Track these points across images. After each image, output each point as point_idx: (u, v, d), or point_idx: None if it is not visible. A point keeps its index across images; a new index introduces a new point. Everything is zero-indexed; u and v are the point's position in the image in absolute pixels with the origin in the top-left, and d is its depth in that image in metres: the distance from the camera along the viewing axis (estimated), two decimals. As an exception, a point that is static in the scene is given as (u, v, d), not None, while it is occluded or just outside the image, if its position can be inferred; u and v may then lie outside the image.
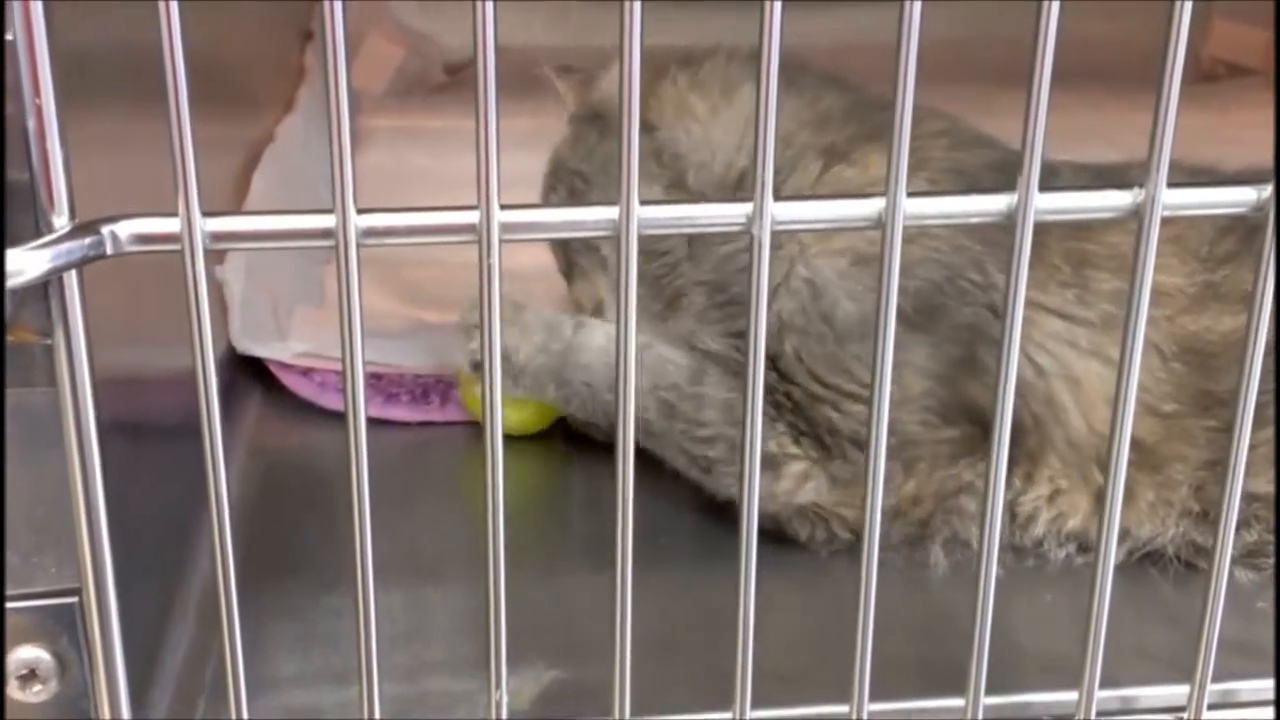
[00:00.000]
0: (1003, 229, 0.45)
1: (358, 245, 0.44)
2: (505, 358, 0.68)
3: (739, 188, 0.71)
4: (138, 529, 0.58)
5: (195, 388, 0.45)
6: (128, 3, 0.42)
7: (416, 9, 1.36)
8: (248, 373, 0.83)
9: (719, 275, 0.70)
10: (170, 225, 0.43)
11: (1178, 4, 0.43)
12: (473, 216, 0.44)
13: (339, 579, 0.61)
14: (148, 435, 0.61)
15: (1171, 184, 0.45)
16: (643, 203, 0.43)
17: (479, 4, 0.40)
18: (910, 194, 0.44)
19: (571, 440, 0.78)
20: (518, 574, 0.66)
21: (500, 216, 0.43)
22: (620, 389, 0.45)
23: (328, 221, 0.43)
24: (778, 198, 0.43)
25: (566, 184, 0.76)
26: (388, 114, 1.25)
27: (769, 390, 0.63)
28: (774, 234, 0.39)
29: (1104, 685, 0.50)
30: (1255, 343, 0.47)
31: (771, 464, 0.66)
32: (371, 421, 0.80)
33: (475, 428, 0.82)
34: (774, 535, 0.67)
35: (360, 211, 0.43)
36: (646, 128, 0.73)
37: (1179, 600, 0.64)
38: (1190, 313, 0.66)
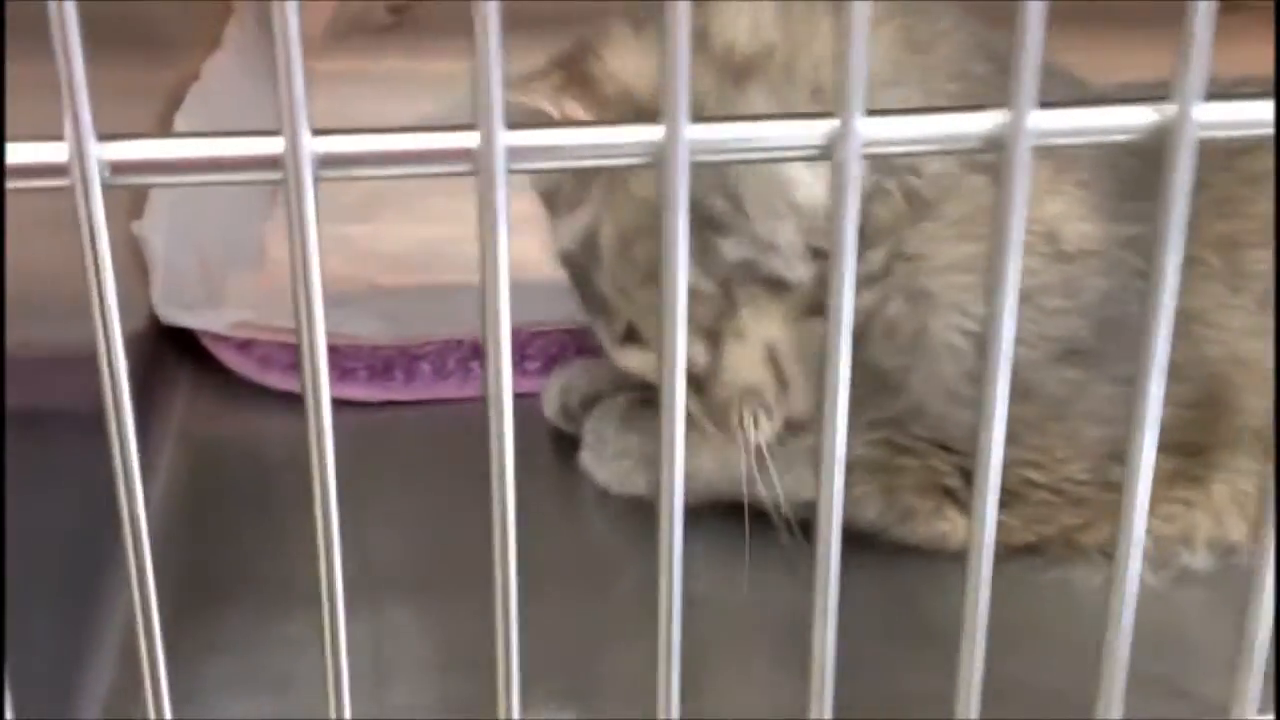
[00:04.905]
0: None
1: (315, 177, 0.32)
2: None
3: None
4: (39, 545, 0.49)
5: (101, 369, 0.34)
6: None
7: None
8: (174, 347, 0.75)
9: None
10: (55, 153, 0.32)
11: None
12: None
13: (290, 601, 0.53)
14: (49, 428, 0.52)
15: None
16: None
17: None
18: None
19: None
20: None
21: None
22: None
23: (274, 146, 0.32)
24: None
25: None
26: (328, 57, 1.16)
27: (939, 472, 0.59)
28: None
29: None
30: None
31: (944, 538, 0.60)
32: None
33: (447, 408, 0.71)
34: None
35: (317, 133, 0.32)
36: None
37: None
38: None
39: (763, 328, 0.58)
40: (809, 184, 0.56)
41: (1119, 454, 0.58)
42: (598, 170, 0.58)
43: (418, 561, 0.59)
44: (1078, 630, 0.57)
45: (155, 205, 0.75)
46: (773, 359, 0.58)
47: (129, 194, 0.77)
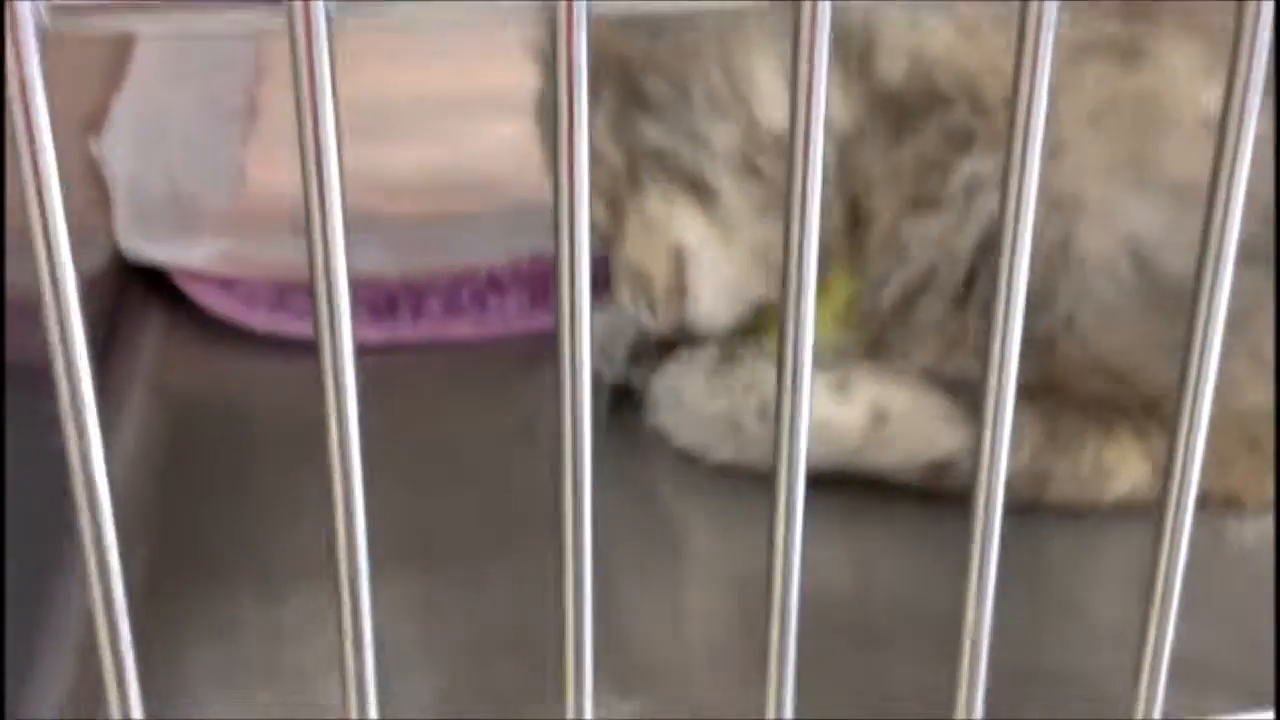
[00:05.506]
0: None
1: (328, 16, 0.25)
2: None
3: None
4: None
5: (43, 288, 0.27)
6: None
7: None
8: (142, 286, 0.68)
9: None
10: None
11: None
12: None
13: (286, 579, 0.50)
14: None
15: None
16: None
17: None
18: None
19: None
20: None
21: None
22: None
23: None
24: None
25: None
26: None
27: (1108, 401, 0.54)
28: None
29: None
30: None
31: (1108, 474, 0.56)
32: (315, 346, 0.63)
33: (457, 352, 0.64)
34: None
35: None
36: None
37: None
38: None
39: (674, 226, 0.55)
40: (777, 99, 0.52)
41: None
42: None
43: (438, 532, 0.52)
44: (1229, 590, 0.51)
45: (117, 119, 0.69)
46: (677, 262, 0.55)
47: (85, 106, 0.69)
